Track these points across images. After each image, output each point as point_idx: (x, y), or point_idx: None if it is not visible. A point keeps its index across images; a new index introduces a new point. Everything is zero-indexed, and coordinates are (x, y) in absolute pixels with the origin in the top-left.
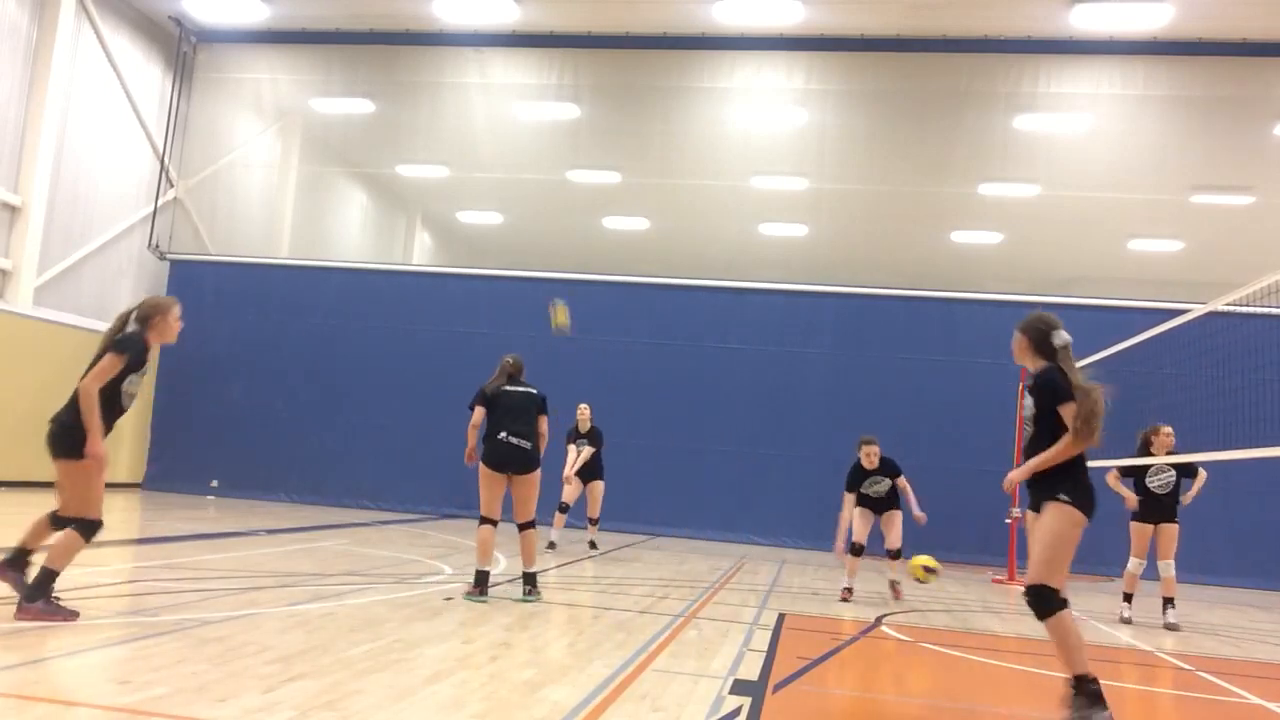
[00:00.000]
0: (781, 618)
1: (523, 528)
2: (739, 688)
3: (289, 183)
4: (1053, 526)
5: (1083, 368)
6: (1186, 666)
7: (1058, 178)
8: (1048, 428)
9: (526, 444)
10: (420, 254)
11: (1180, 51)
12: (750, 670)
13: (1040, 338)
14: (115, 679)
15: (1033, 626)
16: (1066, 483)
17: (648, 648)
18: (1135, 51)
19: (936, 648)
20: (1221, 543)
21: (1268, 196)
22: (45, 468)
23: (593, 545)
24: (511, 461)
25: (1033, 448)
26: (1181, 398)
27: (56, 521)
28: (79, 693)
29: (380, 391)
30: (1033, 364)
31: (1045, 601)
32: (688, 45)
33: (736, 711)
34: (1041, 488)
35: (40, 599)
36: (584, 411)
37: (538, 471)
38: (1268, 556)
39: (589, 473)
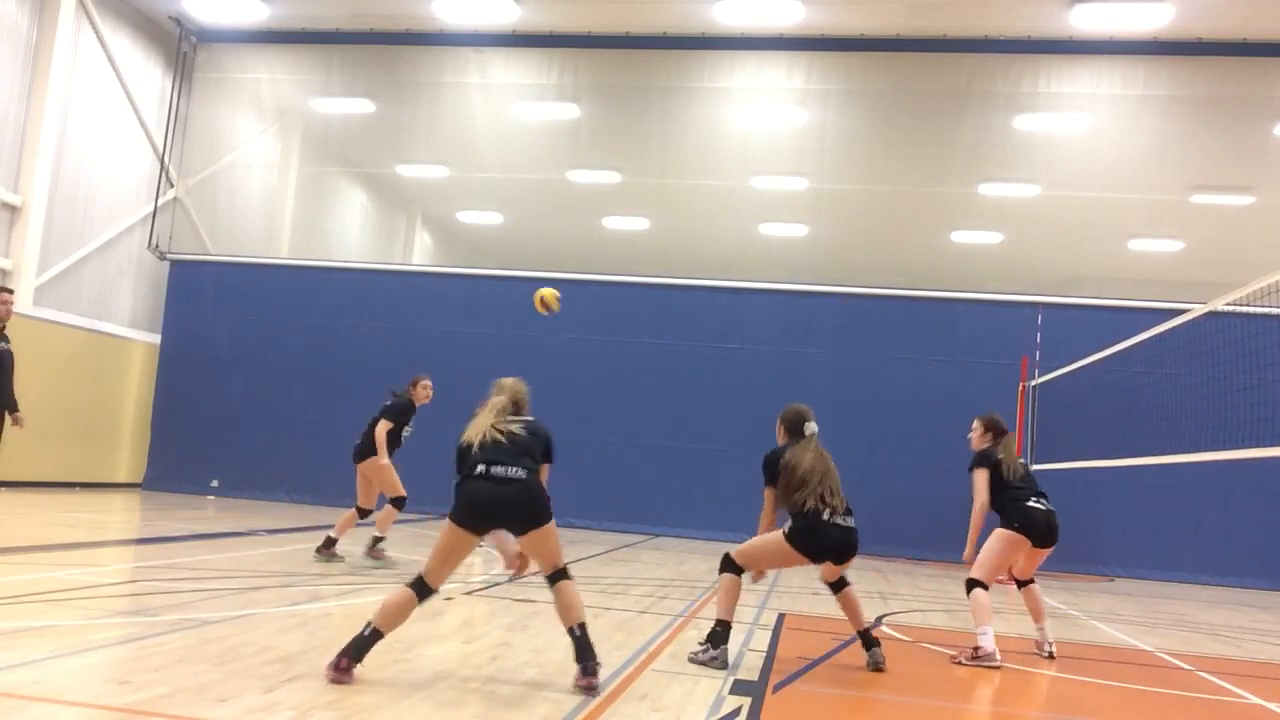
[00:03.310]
0: (781, 618)
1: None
2: (739, 688)
3: (289, 183)
4: None
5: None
6: (1186, 666)
7: (1058, 178)
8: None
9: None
10: (420, 254)
11: (1180, 51)
12: (750, 670)
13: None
14: (115, 679)
15: (1032, 627)
16: None
17: (648, 648)
18: (1135, 51)
19: (936, 648)
20: (1221, 543)
21: (1268, 196)
22: (46, 468)
23: None
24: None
25: None
26: (1181, 398)
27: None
28: (79, 693)
29: (380, 392)
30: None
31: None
32: (688, 45)
33: (736, 711)
34: None
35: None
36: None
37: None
38: (1268, 556)
39: None
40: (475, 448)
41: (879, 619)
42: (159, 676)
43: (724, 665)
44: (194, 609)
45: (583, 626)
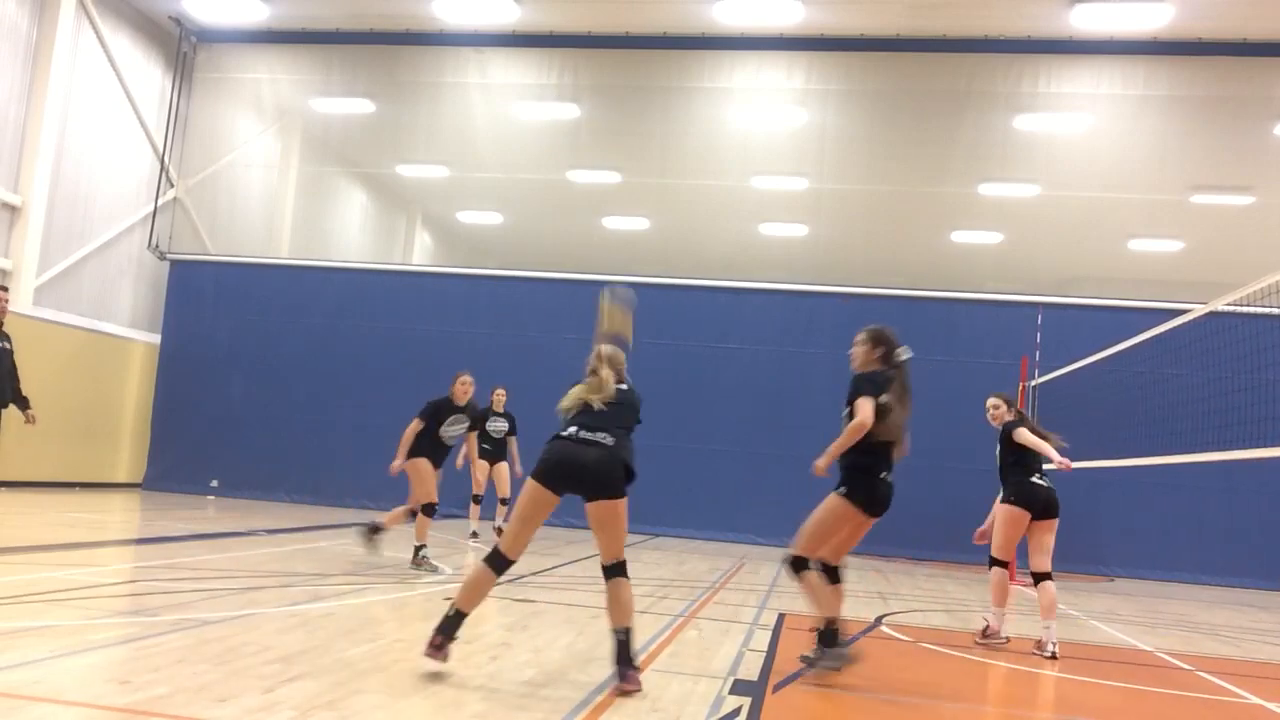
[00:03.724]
0: (781, 618)
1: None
2: (739, 688)
3: (289, 183)
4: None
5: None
6: (1186, 666)
7: (1058, 178)
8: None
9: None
10: (420, 254)
11: (1180, 51)
12: (750, 670)
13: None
14: (115, 679)
15: (1035, 627)
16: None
17: (648, 648)
18: (1135, 51)
19: (936, 648)
20: (1221, 543)
21: (1268, 196)
22: (46, 468)
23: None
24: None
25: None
26: (1181, 398)
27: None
28: (79, 693)
29: (380, 391)
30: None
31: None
32: (688, 45)
33: (736, 711)
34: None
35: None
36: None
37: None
38: (1268, 556)
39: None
40: (572, 412)
41: (879, 619)
42: (159, 676)
43: (840, 664)
44: (194, 609)
45: (629, 631)
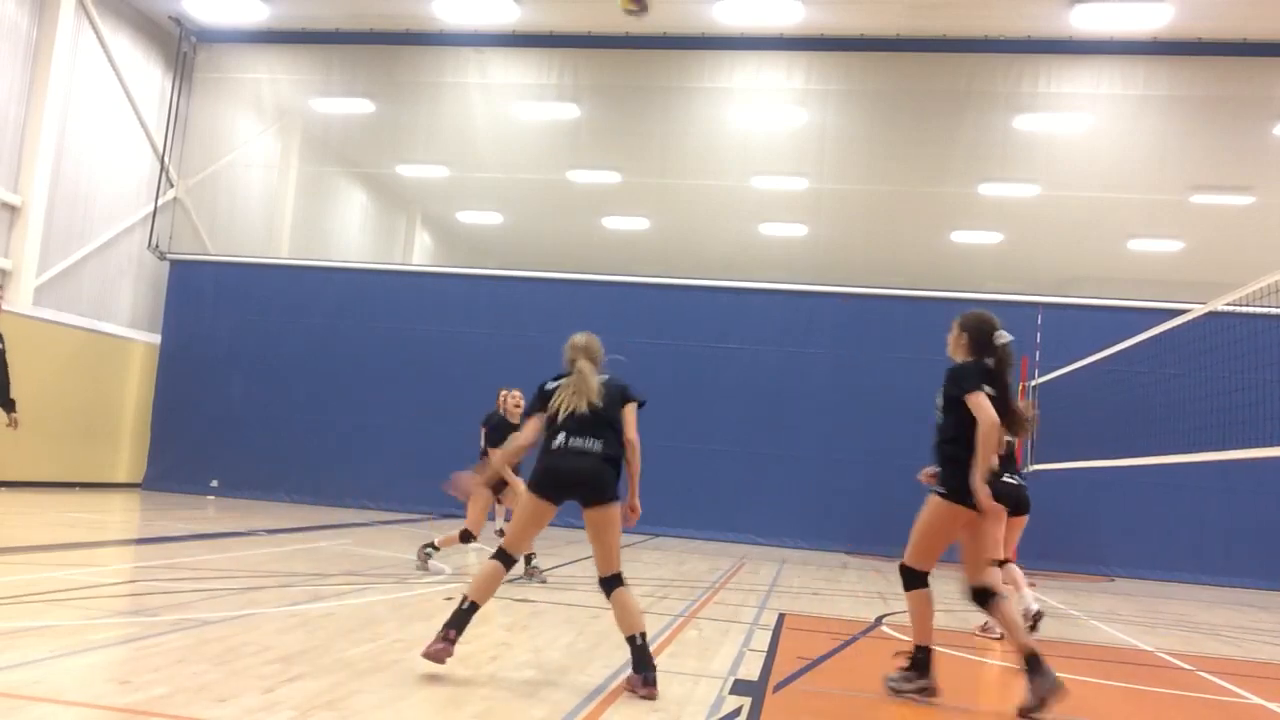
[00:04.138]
0: (781, 618)
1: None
2: (739, 688)
3: (289, 183)
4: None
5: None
6: (1186, 666)
7: (1058, 178)
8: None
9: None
10: (420, 254)
11: (1180, 51)
12: (750, 670)
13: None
14: (115, 679)
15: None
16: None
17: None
18: (1135, 51)
19: (937, 648)
20: (1221, 543)
21: (1268, 196)
22: (46, 468)
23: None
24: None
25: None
26: (1181, 397)
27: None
28: (79, 693)
29: (380, 391)
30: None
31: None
32: (688, 45)
33: (736, 711)
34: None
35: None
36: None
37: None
38: (1268, 556)
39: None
40: (559, 418)
41: (879, 619)
42: (159, 676)
43: (930, 693)
44: (194, 609)
45: (644, 635)
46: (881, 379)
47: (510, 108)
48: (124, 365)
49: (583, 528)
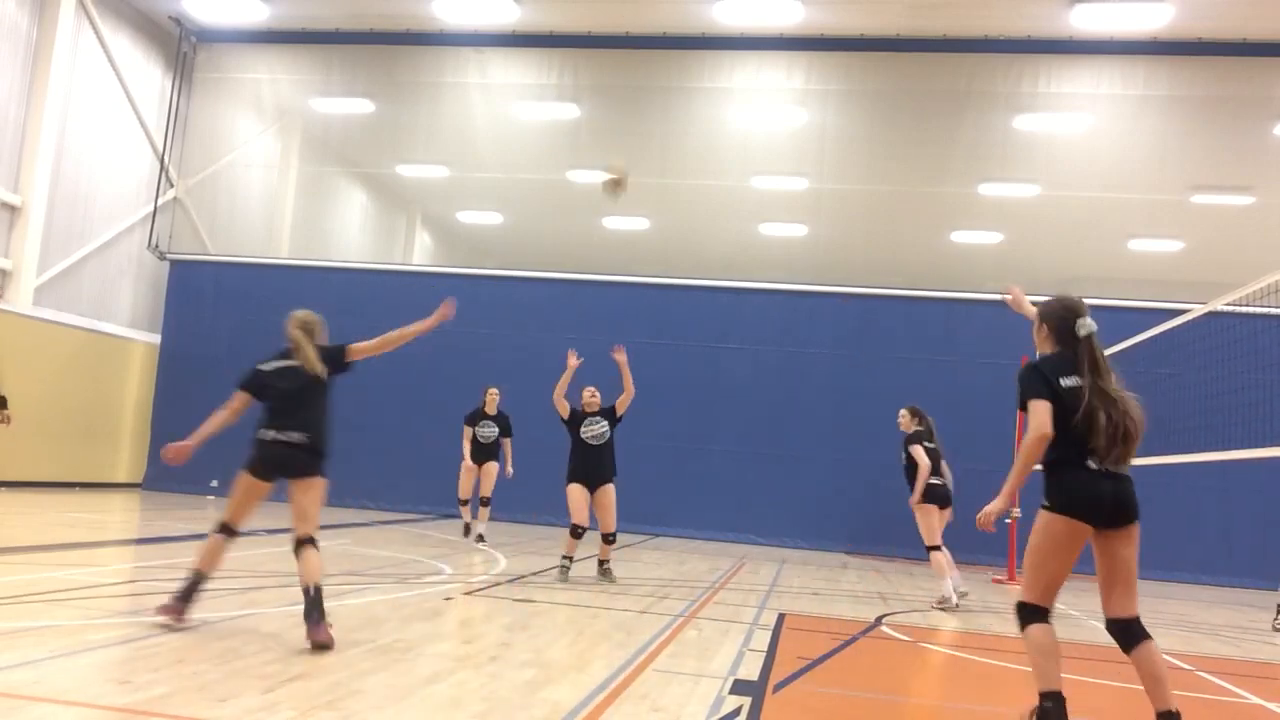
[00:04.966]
0: (781, 618)
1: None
2: (739, 688)
3: (289, 183)
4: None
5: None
6: (1186, 666)
7: (1058, 178)
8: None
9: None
10: (420, 254)
11: (1180, 51)
12: (750, 670)
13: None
14: (115, 679)
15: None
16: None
17: (648, 648)
18: (1135, 51)
19: (936, 648)
20: (1221, 543)
21: (1268, 196)
22: (46, 468)
23: (480, 538)
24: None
25: None
26: (1181, 397)
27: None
28: (79, 693)
29: (380, 391)
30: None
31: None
32: (688, 45)
33: (736, 711)
34: None
35: None
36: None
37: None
38: (1267, 556)
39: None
40: (269, 408)
41: (879, 619)
42: (159, 676)
43: None
44: (194, 609)
45: (319, 589)
46: (881, 379)
47: (510, 108)
48: (124, 365)
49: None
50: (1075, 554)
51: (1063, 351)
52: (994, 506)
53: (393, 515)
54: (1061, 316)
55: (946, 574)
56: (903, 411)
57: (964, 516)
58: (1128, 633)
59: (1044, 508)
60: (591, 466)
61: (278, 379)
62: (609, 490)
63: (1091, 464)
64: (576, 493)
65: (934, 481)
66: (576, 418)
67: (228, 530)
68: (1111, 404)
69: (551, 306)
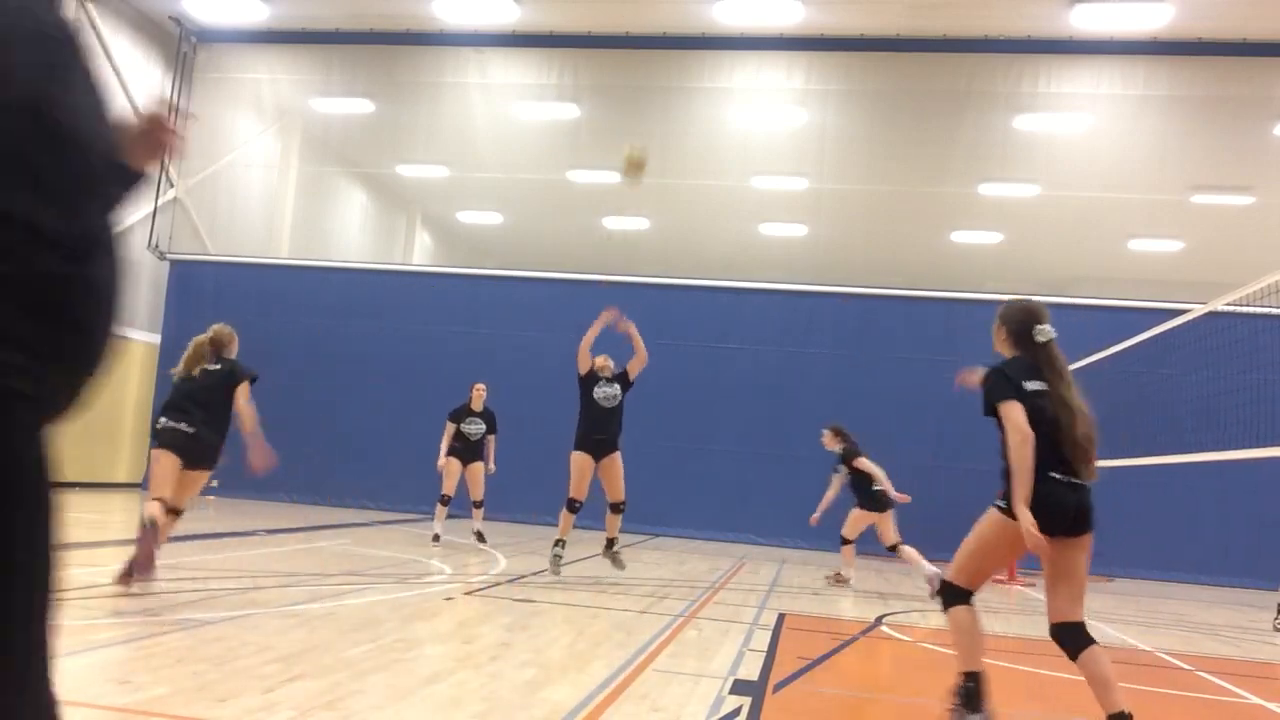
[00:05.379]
0: (781, 618)
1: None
2: (739, 688)
3: (289, 183)
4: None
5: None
6: (1186, 666)
7: (1058, 178)
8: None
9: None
10: (420, 254)
11: (1180, 51)
12: (750, 670)
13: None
14: (115, 679)
15: (1035, 627)
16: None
17: (648, 648)
18: (1135, 51)
19: (936, 648)
20: (1220, 543)
21: (1268, 196)
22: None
23: (480, 537)
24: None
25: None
26: (1181, 397)
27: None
28: (79, 693)
29: (380, 391)
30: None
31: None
32: (688, 45)
33: (736, 711)
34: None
35: None
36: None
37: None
38: (1267, 556)
39: (472, 455)
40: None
41: (879, 619)
42: (159, 676)
43: None
44: (194, 609)
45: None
46: (881, 379)
47: (510, 108)
48: (124, 365)
49: (581, 527)
50: (1017, 557)
51: (1022, 356)
52: (1026, 523)
53: (393, 515)
54: (1020, 320)
55: (921, 560)
56: (825, 432)
57: (964, 516)
58: (1075, 637)
59: (999, 509)
60: (600, 428)
61: None
62: (615, 458)
63: (1055, 474)
64: (580, 461)
65: (878, 489)
66: (592, 378)
67: None
68: (1072, 415)
69: (551, 306)
